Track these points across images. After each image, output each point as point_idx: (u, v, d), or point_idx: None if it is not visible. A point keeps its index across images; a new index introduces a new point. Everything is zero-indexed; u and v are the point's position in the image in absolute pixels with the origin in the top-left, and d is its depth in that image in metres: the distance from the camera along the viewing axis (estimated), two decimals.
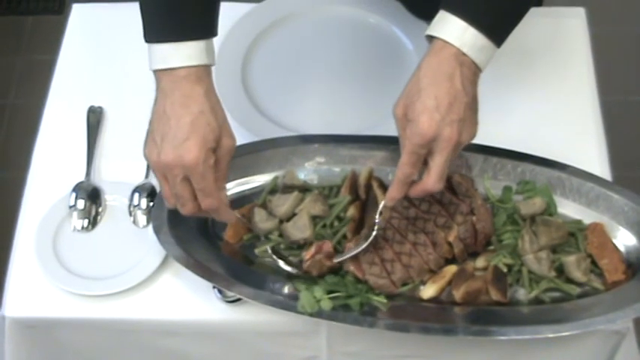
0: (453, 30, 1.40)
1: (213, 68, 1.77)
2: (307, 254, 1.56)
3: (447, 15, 1.41)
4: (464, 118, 1.39)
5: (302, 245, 1.60)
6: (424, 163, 1.43)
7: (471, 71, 1.41)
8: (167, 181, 1.44)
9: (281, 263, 1.59)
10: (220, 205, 1.46)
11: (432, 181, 1.41)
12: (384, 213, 1.57)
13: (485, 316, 1.52)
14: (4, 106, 3.40)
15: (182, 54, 1.44)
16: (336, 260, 1.54)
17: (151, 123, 1.47)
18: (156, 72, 1.48)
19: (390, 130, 1.70)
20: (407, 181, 1.44)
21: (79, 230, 1.67)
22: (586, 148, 1.74)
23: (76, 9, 1.99)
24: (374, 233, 1.53)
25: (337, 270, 1.55)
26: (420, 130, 1.38)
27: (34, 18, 3.65)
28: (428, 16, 1.77)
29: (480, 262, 1.57)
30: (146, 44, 1.49)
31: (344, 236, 1.59)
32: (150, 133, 1.46)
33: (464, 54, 1.40)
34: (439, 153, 1.39)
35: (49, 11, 3.64)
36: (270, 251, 1.60)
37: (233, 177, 1.67)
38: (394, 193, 1.46)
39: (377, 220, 1.53)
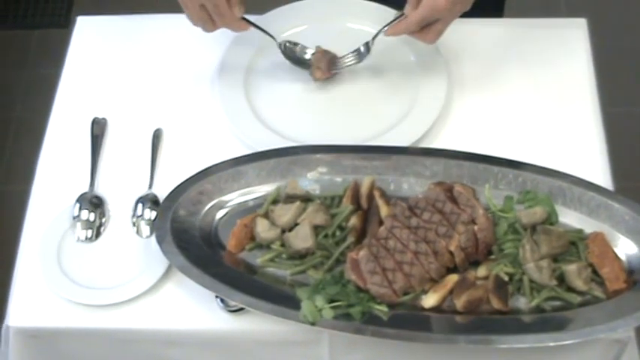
0: None
1: (215, 78, 1.79)
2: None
3: None
4: None
5: (304, 255, 1.60)
6: None
7: None
8: (189, 8, 1.71)
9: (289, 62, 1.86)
10: (232, 21, 1.73)
11: (431, 37, 1.71)
12: (386, 222, 1.58)
13: (487, 324, 1.52)
14: (10, 119, 3.41)
15: None
16: (333, 71, 1.82)
17: None
18: None
19: (391, 140, 1.72)
20: (407, 32, 1.71)
21: (82, 240, 1.67)
22: (588, 159, 1.75)
23: (81, 21, 2.00)
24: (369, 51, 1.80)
25: (338, 279, 1.56)
26: (437, 6, 1.64)
27: (39, 32, 3.67)
28: None
29: (482, 271, 1.57)
30: None
31: (348, 247, 1.60)
32: None
33: None
34: (444, 21, 1.68)
35: (54, 25, 3.66)
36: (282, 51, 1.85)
37: (237, 187, 1.69)
38: (394, 31, 1.74)
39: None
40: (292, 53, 1.87)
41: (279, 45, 1.85)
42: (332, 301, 1.52)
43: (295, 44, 1.87)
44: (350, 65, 1.85)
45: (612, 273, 1.56)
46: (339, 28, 1.93)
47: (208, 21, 1.72)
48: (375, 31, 1.81)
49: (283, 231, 1.62)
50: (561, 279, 1.56)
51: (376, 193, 1.65)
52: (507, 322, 1.52)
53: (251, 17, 1.89)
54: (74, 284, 1.62)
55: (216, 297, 1.58)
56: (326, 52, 1.86)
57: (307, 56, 1.87)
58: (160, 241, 1.60)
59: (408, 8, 1.71)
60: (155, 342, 1.63)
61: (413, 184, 1.68)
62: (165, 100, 1.86)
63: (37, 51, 3.61)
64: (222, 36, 1.84)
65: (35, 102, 3.34)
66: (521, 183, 1.66)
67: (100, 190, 1.74)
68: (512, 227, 1.61)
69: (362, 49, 1.84)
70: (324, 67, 1.85)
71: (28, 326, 1.62)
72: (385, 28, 1.77)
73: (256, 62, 1.88)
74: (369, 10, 1.91)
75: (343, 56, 1.85)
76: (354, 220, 1.62)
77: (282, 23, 1.94)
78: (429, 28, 1.69)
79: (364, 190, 1.66)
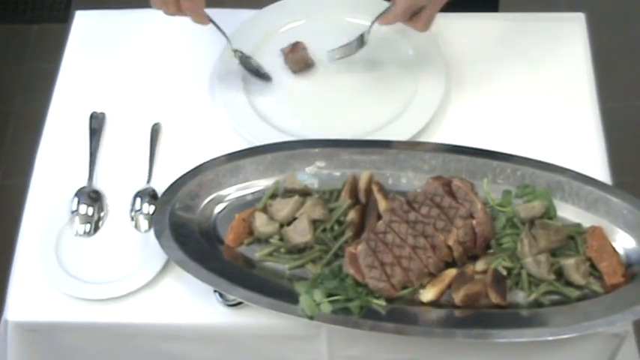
0: None
1: (214, 72, 1.79)
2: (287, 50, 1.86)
3: None
4: None
5: (302, 249, 1.60)
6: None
7: None
8: None
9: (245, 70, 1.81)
10: (197, 6, 1.69)
11: (421, 25, 1.71)
12: (384, 216, 1.58)
13: (485, 319, 1.52)
14: (9, 114, 3.41)
15: None
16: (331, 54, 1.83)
17: None
18: None
19: (390, 134, 1.72)
20: (397, 21, 1.72)
21: (81, 235, 1.68)
22: (586, 153, 1.75)
23: (79, 16, 2.00)
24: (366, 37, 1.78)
25: (337, 273, 1.56)
26: None
27: (39, 26, 3.66)
28: None
29: (480, 265, 1.57)
30: None
31: (346, 241, 1.60)
32: None
33: None
34: (431, 7, 1.68)
35: (53, 20, 3.66)
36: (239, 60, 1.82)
37: (234, 181, 1.69)
38: (386, 21, 1.75)
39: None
40: (247, 64, 1.85)
41: (234, 52, 1.84)
42: (330, 295, 1.52)
43: (248, 57, 1.86)
44: (344, 57, 1.85)
45: (610, 267, 1.56)
46: (337, 22, 1.92)
47: (172, 3, 1.67)
48: (375, 27, 1.82)
49: (282, 225, 1.62)
50: (559, 273, 1.56)
51: (374, 188, 1.65)
52: (505, 317, 1.52)
53: (250, 12, 1.89)
54: (72, 278, 1.62)
55: (215, 291, 1.58)
56: (294, 48, 1.88)
57: (263, 70, 1.86)
58: (158, 236, 1.60)
59: None
60: (153, 336, 1.63)
61: (411, 179, 1.68)
62: (163, 95, 1.86)
63: (35, 45, 3.61)
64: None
65: (34, 96, 3.34)
66: (520, 177, 1.66)
67: (99, 184, 1.74)
68: (510, 221, 1.61)
69: (356, 41, 1.84)
70: (300, 59, 1.87)
71: (27, 320, 1.62)
72: (378, 19, 1.78)
73: (255, 57, 1.88)
74: (368, 4, 1.90)
75: (339, 47, 1.85)
76: (352, 215, 1.62)
77: (281, 17, 1.94)
78: (418, 17, 1.70)
79: (362, 184, 1.66)
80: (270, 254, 1.62)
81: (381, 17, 1.76)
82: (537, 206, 1.61)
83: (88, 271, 1.63)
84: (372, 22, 1.80)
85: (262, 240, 1.63)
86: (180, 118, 1.82)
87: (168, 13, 1.69)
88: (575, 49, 1.89)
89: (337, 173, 1.69)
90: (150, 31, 1.96)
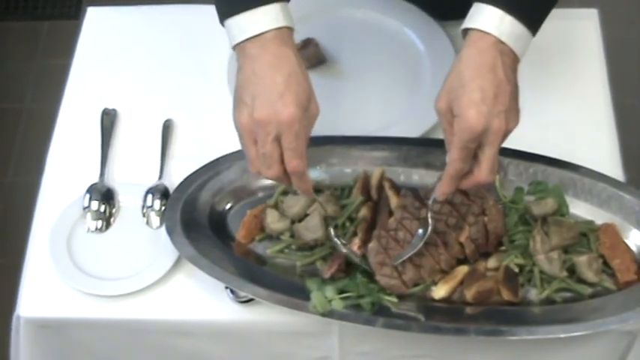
0: (490, 20, 1.40)
1: (226, 68, 1.78)
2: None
3: (482, 6, 1.41)
4: (509, 108, 1.39)
5: (313, 246, 1.60)
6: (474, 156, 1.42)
7: (511, 59, 1.41)
8: (255, 143, 1.42)
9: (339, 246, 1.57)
10: (305, 169, 1.44)
11: (484, 173, 1.41)
12: (432, 207, 1.56)
13: (497, 316, 1.52)
14: (20, 110, 3.41)
15: (262, 19, 1.43)
16: (395, 262, 1.52)
17: (236, 90, 1.44)
18: (238, 46, 1.46)
19: (401, 131, 1.72)
20: (458, 176, 1.44)
21: (92, 231, 1.68)
22: (598, 150, 1.74)
23: (91, 12, 2.01)
24: (429, 229, 1.52)
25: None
26: (470, 125, 1.37)
27: (50, 23, 3.67)
28: (442, 15, 1.79)
29: (492, 262, 1.57)
30: (224, 27, 1.50)
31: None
32: (238, 99, 1.44)
33: (502, 42, 1.39)
34: (489, 145, 1.39)
35: (64, 16, 3.66)
36: (332, 233, 1.57)
37: (246, 178, 1.68)
38: (446, 188, 1.45)
39: (429, 215, 1.53)
40: None
41: None
42: (342, 292, 1.52)
43: None
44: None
45: (623, 264, 1.56)
46: (349, 17, 1.93)
47: (277, 162, 1.41)
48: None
49: (293, 222, 1.62)
50: (572, 270, 1.55)
51: (386, 184, 1.65)
52: (517, 314, 1.52)
53: None
54: (84, 275, 1.62)
55: (226, 288, 1.58)
56: (306, 44, 1.87)
57: None
58: (169, 232, 1.60)
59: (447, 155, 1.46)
60: (164, 332, 1.63)
61: (423, 175, 1.68)
62: (175, 91, 1.86)
63: (47, 42, 3.62)
64: None
65: (45, 93, 3.35)
66: (532, 174, 1.66)
67: (110, 180, 1.74)
68: (522, 218, 1.61)
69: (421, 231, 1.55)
70: (312, 55, 1.85)
71: (39, 316, 1.62)
72: (434, 197, 1.51)
73: None
74: None
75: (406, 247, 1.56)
76: (364, 212, 1.62)
77: (292, 13, 1.94)
78: (479, 165, 1.42)
79: (374, 181, 1.66)
80: (281, 251, 1.62)
81: (437, 188, 1.48)
82: (550, 203, 1.60)
83: (99, 267, 1.63)
84: (430, 206, 1.54)
85: (273, 236, 1.63)
86: (192, 114, 1.82)
87: (268, 175, 1.44)
88: (589, 45, 1.89)
89: (348, 170, 1.69)
90: (162, 28, 1.96)
